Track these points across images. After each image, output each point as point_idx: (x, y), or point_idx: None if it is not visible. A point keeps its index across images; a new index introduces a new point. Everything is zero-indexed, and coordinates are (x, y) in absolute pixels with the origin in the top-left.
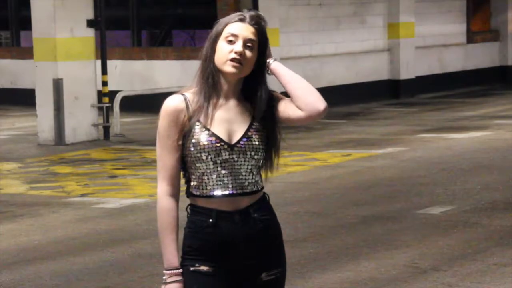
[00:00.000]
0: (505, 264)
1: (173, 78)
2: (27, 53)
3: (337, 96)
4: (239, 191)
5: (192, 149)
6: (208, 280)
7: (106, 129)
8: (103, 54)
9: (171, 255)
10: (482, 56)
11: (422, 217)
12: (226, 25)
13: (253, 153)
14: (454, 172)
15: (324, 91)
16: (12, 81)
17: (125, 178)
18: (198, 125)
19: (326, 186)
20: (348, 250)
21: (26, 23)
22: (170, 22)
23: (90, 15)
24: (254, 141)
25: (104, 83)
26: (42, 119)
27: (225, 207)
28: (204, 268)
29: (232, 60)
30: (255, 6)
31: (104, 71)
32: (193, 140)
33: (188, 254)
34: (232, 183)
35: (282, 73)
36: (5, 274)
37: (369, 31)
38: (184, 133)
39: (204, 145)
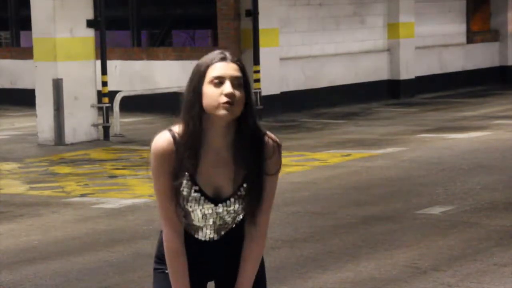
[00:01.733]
0: (505, 264)
1: (173, 78)
2: (27, 53)
3: (337, 96)
4: (216, 238)
5: (180, 194)
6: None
7: (106, 129)
8: (103, 54)
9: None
10: (482, 56)
11: (422, 217)
12: (207, 67)
13: (238, 208)
14: (454, 172)
15: (324, 91)
16: (12, 81)
17: (125, 178)
18: (184, 175)
19: (326, 186)
20: (348, 250)
21: (26, 23)
22: (170, 22)
23: (90, 15)
24: (241, 198)
25: (104, 83)
26: (42, 119)
27: (199, 241)
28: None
29: (225, 103)
30: (255, 6)
31: (104, 71)
32: (181, 189)
33: (160, 259)
34: (215, 230)
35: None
36: (5, 274)
37: (369, 31)
38: (174, 175)
39: (188, 199)
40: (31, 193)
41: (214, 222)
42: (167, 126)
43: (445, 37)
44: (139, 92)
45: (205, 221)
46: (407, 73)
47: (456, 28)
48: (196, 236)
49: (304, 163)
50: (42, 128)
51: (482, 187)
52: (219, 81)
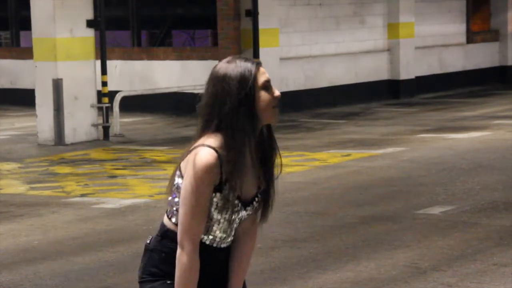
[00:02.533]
0: (505, 264)
1: (173, 78)
2: (27, 53)
3: (337, 96)
4: (229, 241)
5: (214, 204)
6: None
7: (106, 129)
8: (102, 54)
9: None
10: (482, 56)
11: (422, 217)
12: (256, 73)
13: (253, 211)
14: (454, 172)
15: (324, 91)
16: (12, 81)
17: (125, 178)
18: (227, 184)
19: (326, 186)
20: (348, 250)
21: (26, 23)
22: (170, 22)
23: (90, 15)
24: (259, 200)
25: (104, 83)
26: (42, 119)
27: (214, 250)
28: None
29: (275, 107)
30: (255, 6)
31: (104, 71)
32: (219, 198)
33: (154, 275)
34: (228, 238)
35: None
36: (5, 274)
37: (369, 31)
38: (215, 189)
39: (228, 205)
40: (31, 193)
41: (235, 226)
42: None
43: (445, 37)
44: (139, 92)
45: (230, 228)
46: (407, 73)
47: (456, 28)
48: (217, 245)
49: (304, 163)
50: (42, 128)
51: (482, 187)
52: (268, 85)
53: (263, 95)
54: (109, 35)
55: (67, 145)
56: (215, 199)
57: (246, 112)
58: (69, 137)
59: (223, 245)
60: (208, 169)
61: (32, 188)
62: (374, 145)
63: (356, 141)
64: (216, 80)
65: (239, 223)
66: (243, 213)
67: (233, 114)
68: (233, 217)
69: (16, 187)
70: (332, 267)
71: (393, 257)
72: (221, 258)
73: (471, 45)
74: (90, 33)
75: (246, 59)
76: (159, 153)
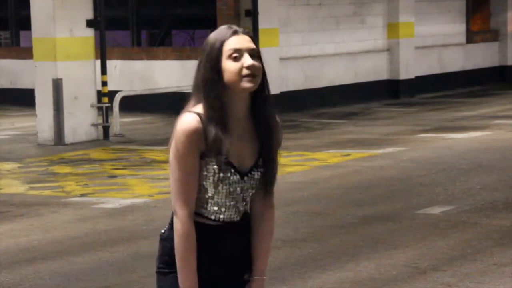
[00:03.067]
0: (504, 264)
1: (173, 78)
2: (26, 53)
3: (337, 96)
4: (237, 218)
5: (205, 172)
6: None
7: (106, 129)
8: (102, 54)
9: (194, 280)
10: (482, 56)
11: (422, 217)
12: (222, 42)
13: (255, 183)
14: (453, 172)
15: (324, 91)
16: (11, 81)
17: (125, 178)
18: (213, 150)
19: (325, 186)
20: (347, 250)
21: (25, 23)
22: (170, 22)
23: (90, 15)
24: (259, 172)
25: (104, 83)
26: (42, 119)
27: (219, 225)
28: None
29: (247, 75)
30: (254, 6)
31: (103, 71)
32: (209, 165)
33: (168, 264)
34: (234, 209)
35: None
36: (4, 274)
37: (368, 31)
38: (201, 155)
39: (217, 171)
40: (31, 193)
41: (236, 200)
42: (185, 110)
43: (445, 37)
44: (138, 92)
45: (229, 200)
46: (406, 73)
47: (456, 28)
48: (216, 218)
49: (304, 163)
50: (42, 128)
51: (482, 187)
52: (238, 55)
53: (230, 65)
54: (109, 35)
55: (67, 145)
56: (205, 170)
57: (216, 82)
58: (69, 137)
59: (225, 218)
60: (190, 132)
61: (32, 188)
62: (373, 145)
63: (355, 141)
64: (201, 50)
65: (245, 199)
66: (242, 185)
67: (206, 83)
68: (231, 189)
69: (16, 187)
70: (331, 267)
71: (393, 257)
72: (230, 236)
73: (470, 45)
74: (90, 33)
75: (229, 27)
76: (159, 153)
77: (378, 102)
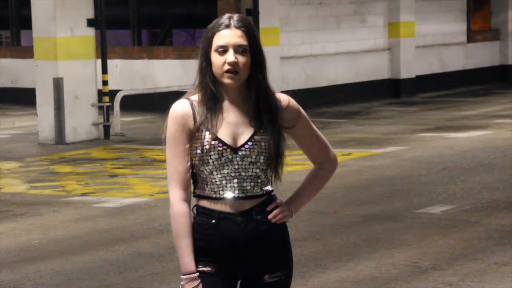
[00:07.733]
0: (505, 263)
1: (173, 78)
2: (27, 53)
3: (338, 95)
4: (241, 195)
5: (198, 151)
6: (211, 280)
7: (107, 128)
8: (103, 53)
9: (188, 259)
10: (483, 55)
11: (423, 216)
12: (213, 35)
13: (257, 157)
14: (454, 171)
15: (325, 90)
16: (12, 80)
17: (126, 177)
18: (203, 129)
19: (326, 185)
20: (348, 249)
21: (26, 22)
22: (171, 21)
23: (91, 14)
24: (259, 145)
25: (105, 82)
26: (43, 118)
27: (228, 209)
28: (207, 269)
29: (227, 71)
30: (255, 5)
31: (104, 70)
32: (198, 144)
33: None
34: (235, 186)
35: (304, 203)
36: (5, 273)
37: (369, 30)
38: (191, 137)
39: (207, 148)
40: (31, 192)
41: (235, 175)
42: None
43: (446, 36)
44: (139, 91)
45: (229, 177)
46: (407, 72)
47: (457, 27)
48: (217, 196)
49: (304, 162)
50: (43, 127)
51: (483, 186)
52: (223, 50)
53: (215, 58)
54: (110, 34)
55: (67, 144)
56: (197, 149)
57: (207, 71)
58: (69, 136)
59: (226, 195)
60: (177, 116)
61: (32, 187)
62: (374, 144)
63: (356, 140)
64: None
65: (250, 176)
66: (238, 159)
67: (199, 71)
68: (225, 165)
69: (16, 186)
70: (332, 266)
71: (394, 256)
72: (239, 220)
73: (471, 44)
74: (91, 32)
75: (228, 17)
76: (159, 152)
77: (378, 102)
